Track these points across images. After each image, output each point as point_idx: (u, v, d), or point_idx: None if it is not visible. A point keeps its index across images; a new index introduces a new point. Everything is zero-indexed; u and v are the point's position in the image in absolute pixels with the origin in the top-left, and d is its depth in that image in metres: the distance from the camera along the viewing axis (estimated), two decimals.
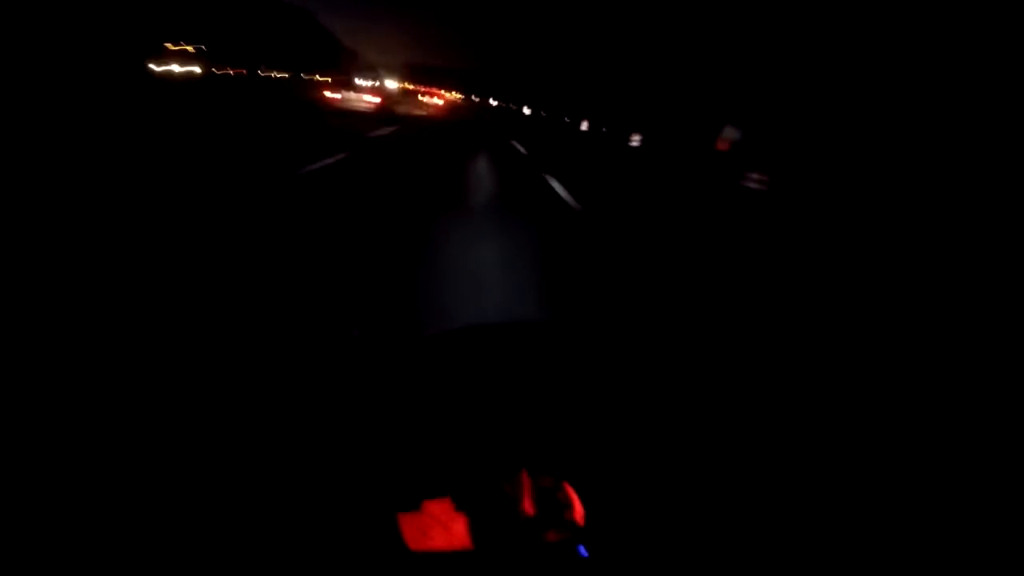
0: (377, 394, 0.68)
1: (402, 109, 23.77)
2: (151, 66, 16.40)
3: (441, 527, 0.56)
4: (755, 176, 11.78)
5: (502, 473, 0.60)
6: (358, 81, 23.68)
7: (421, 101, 37.17)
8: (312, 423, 0.66)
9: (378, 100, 17.10)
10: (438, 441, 0.63)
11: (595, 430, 0.67)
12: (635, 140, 20.42)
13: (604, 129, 23.83)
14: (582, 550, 0.57)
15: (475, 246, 3.99)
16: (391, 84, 55.68)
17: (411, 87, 58.31)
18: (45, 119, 6.59)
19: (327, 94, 16.88)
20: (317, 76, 45.58)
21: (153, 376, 1.86)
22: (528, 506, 0.58)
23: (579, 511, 0.59)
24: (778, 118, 13.20)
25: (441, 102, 39.40)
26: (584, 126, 28.18)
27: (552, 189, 7.59)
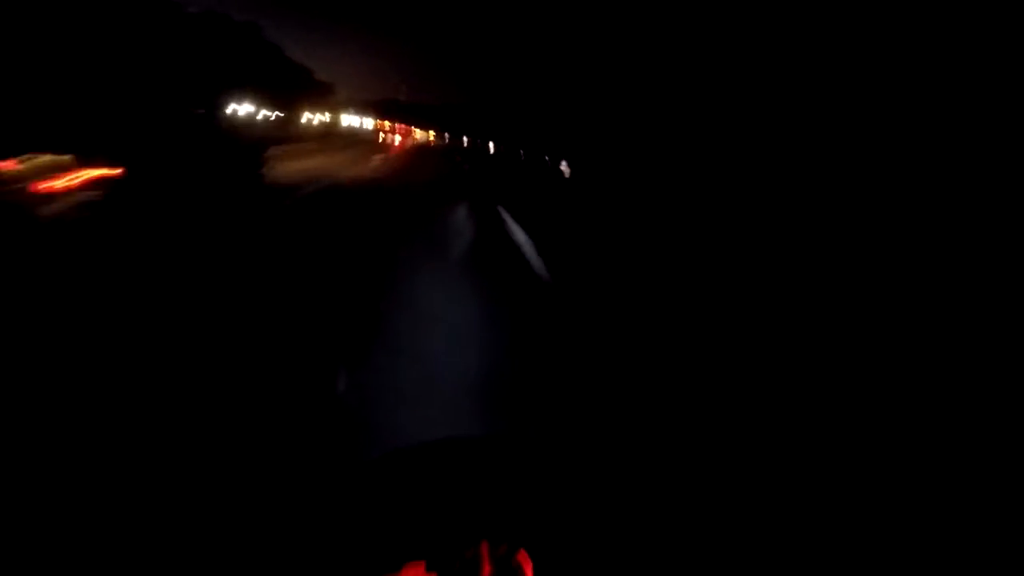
0: (358, 475, 0.83)
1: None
2: None
3: None
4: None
5: (466, 542, 0.74)
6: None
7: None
8: (304, 495, 0.81)
9: None
10: (415, 514, 0.77)
11: (545, 504, 0.82)
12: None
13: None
14: None
15: None
16: (364, 123, 53.15)
17: (387, 125, 55.26)
18: None
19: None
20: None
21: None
22: (487, 570, 0.71)
23: (529, 573, 0.72)
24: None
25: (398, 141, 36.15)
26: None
27: None
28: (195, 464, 1.75)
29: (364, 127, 50.88)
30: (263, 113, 26.77)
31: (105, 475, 1.69)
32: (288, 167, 13.00)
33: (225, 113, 18.97)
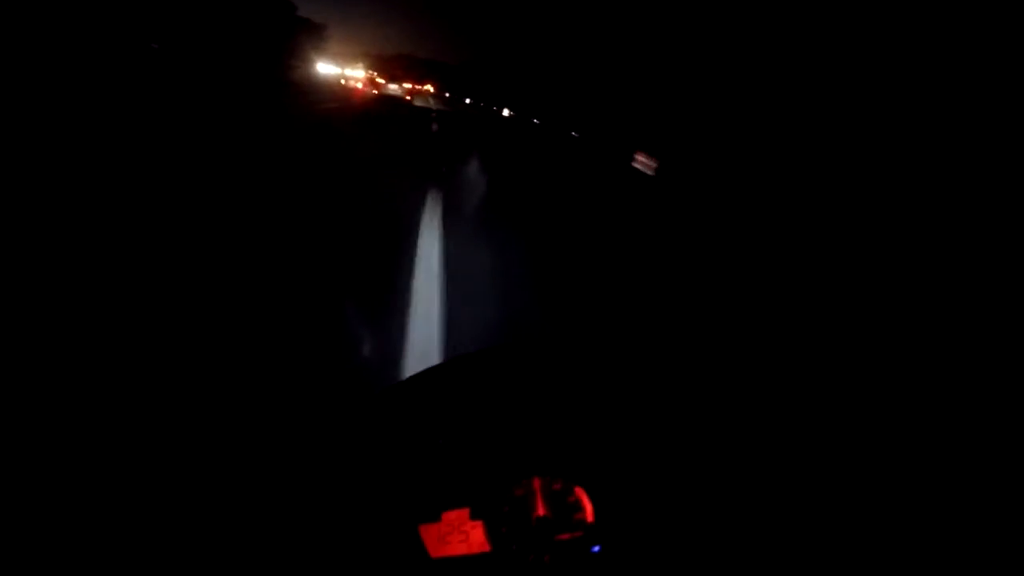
0: (393, 415, 0.72)
1: None
2: None
3: (460, 534, 0.60)
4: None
5: (515, 480, 0.64)
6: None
7: None
8: (336, 444, 0.70)
9: None
10: (455, 454, 0.67)
11: (601, 433, 0.71)
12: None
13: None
14: (595, 548, 0.61)
15: None
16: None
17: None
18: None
19: None
20: None
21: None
22: (541, 509, 0.62)
23: (589, 511, 0.63)
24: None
25: None
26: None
27: None
28: (217, 418, 1.75)
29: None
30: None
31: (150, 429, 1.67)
32: None
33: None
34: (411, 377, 0.74)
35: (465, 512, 0.61)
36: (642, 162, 15.40)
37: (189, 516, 0.58)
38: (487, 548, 0.60)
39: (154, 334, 2.11)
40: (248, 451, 1.50)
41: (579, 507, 0.63)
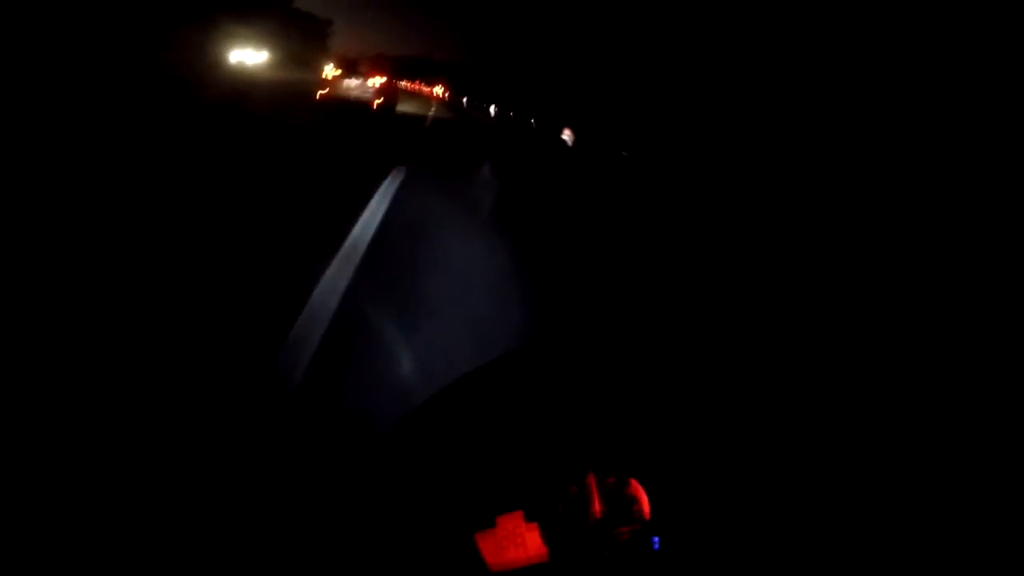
0: (441, 427, 0.71)
1: None
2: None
3: (516, 540, 0.59)
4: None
5: (568, 478, 0.63)
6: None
7: None
8: (384, 460, 0.70)
9: None
10: (504, 459, 0.66)
11: (651, 422, 0.70)
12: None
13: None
14: (655, 542, 0.59)
15: None
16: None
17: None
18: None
19: None
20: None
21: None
22: (597, 506, 0.60)
23: (646, 504, 0.61)
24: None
25: None
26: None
27: None
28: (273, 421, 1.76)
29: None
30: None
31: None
32: None
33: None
34: (451, 385, 0.73)
35: (519, 515, 0.60)
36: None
37: (239, 529, 0.57)
38: (544, 551, 0.59)
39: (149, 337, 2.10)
40: (297, 472, 1.50)
41: (635, 500, 0.61)
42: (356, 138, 9.86)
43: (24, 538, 1.20)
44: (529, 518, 0.60)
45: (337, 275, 3.07)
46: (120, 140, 5.72)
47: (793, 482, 0.65)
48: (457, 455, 0.67)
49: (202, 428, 1.62)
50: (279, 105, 12.56)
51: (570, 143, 15.65)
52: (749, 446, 0.68)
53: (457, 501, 0.62)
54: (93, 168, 4.43)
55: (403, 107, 20.54)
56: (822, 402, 0.79)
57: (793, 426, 0.72)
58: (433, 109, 26.88)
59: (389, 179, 6.06)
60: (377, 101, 17.06)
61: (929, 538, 0.61)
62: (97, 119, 6.21)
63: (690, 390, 0.76)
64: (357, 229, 4.03)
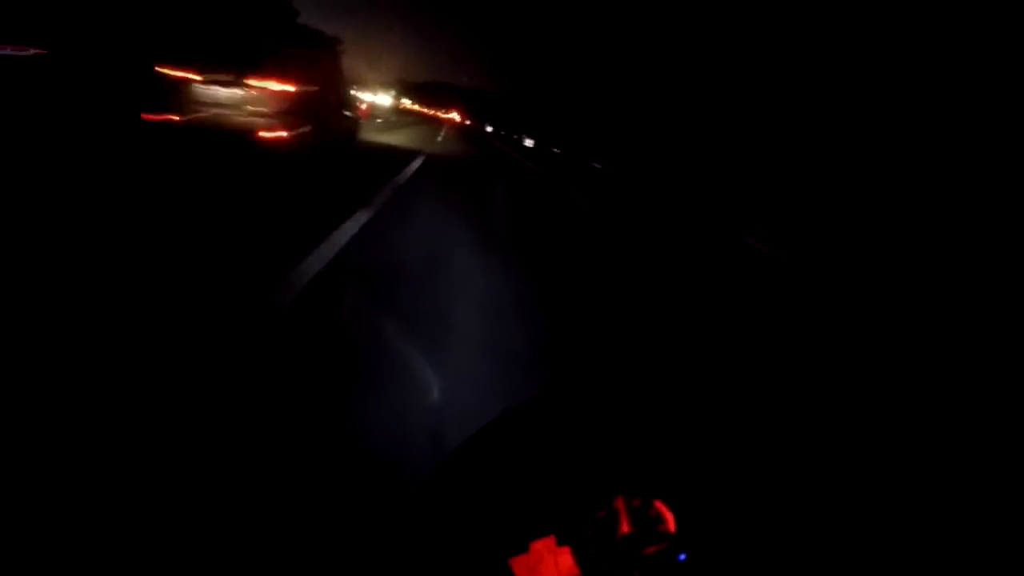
0: (477, 466, 0.76)
1: None
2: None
3: (549, 562, 0.63)
4: None
5: (596, 503, 0.67)
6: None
7: None
8: (427, 491, 0.75)
9: None
10: (536, 488, 0.70)
11: (672, 445, 0.75)
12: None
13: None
14: (681, 556, 0.63)
15: None
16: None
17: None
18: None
19: None
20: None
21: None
22: (625, 526, 0.64)
23: (671, 523, 0.65)
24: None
25: None
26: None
27: None
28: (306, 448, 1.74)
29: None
30: None
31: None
32: None
33: None
34: (483, 428, 0.79)
35: (551, 540, 0.64)
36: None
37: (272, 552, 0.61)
38: (576, 572, 0.62)
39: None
40: (333, 502, 1.52)
41: (661, 519, 0.65)
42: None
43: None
44: (561, 542, 0.64)
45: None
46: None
47: (811, 497, 0.68)
48: (493, 488, 0.72)
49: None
50: None
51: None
52: (767, 462, 0.72)
53: (493, 530, 0.66)
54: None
55: (386, 137, 15.25)
56: (842, 420, 0.84)
57: (811, 443, 0.75)
58: (441, 136, 22.72)
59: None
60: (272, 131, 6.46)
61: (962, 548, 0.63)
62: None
63: (708, 411, 0.80)
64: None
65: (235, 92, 6.21)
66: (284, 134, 6.41)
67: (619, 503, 0.66)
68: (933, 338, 5.35)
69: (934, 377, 4.02)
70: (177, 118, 6.14)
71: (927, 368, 4.24)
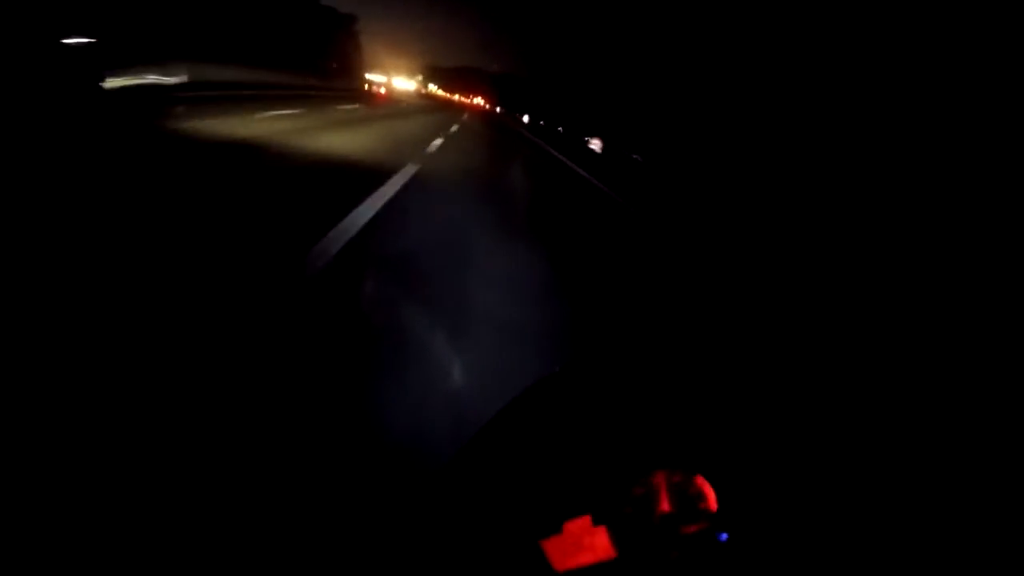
0: (505, 444, 0.73)
1: None
2: None
3: (584, 543, 0.60)
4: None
5: (634, 479, 0.63)
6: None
7: None
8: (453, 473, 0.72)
9: None
10: (570, 464, 0.67)
11: (714, 418, 0.70)
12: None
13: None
14: (722, 536, 0.59)
15: None
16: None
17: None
18: None
19: None
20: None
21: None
22: (664, 504, 0.61)
23: (713, 500, 0.61)
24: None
25: None
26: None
27: None
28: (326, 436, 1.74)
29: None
30: None
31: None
32: None
33: None
34: (514, 400, 0.76)
35: (587, 520, 0.61)
36: None
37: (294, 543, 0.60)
38: (611, 551, 0.59)
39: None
40: (363, 487, 1.53)
41: (702, 497, 0.61)
42: None
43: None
44: (596, 522, 0.61)
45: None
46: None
47: (860, 478, 0.64)
48: (523, 466, 0.69)
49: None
50: None
51: None
52: (812, 439, 0.68)
53: (523, 510, 0.64)
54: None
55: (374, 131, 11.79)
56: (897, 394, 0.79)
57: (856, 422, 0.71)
58: (455, 128, 18.00)
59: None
60: None
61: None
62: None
63: (751, 386, 0.76)
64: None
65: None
66: None
67: (658, 479, 0.62)
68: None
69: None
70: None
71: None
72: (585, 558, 0.59)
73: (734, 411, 0.70)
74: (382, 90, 39.59)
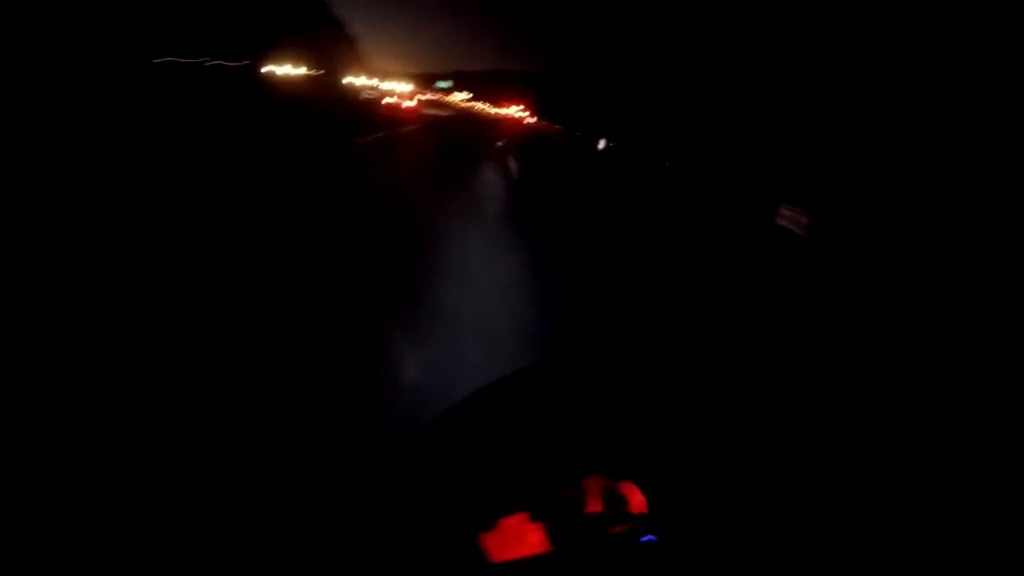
0: (452, 436, 0.79)
1: None
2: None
3: (520, 538, 0.65)
4: None
5: (567, 482, 0.68)
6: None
7: None
8: (396, 463, 0.78)
9: None
10: (510, 466, 0.72)
11: (645, 428, 0.75)
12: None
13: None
14: (648, 538, 0.63)
15: None
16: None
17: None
18: None
19: None
20: None
21: None
22: (594, 505, 0.66)
23: (640, 503, 0.66)
24: None
25: None
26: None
27: None
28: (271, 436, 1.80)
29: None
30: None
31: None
32: None
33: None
34: (463, 400, 0.81)
35: (524, 516, 0.66)
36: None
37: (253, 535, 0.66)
38: (545, 546, 0.64)
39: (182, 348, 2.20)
40: (307, 476, 1.61)
41: (630, 500, 0.66)
42: None
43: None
44: (534, 519, 0.65)
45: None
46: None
47: (779, 489, 0.68)
48: (467, 464, 0.74)
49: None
50: None
51: None
52: (738, 449, 0.72)
53: (465, 506, 0.69)
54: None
55: None
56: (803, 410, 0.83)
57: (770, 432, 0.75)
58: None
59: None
60: None
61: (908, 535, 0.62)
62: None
63: (680, 398, 0.80)
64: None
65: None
66: None
67: (590, 482, 0.67)
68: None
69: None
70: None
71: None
72: (520, 551, 0.64)
73: (664, 422, 0.75)
74: (404, 103, 32.12)
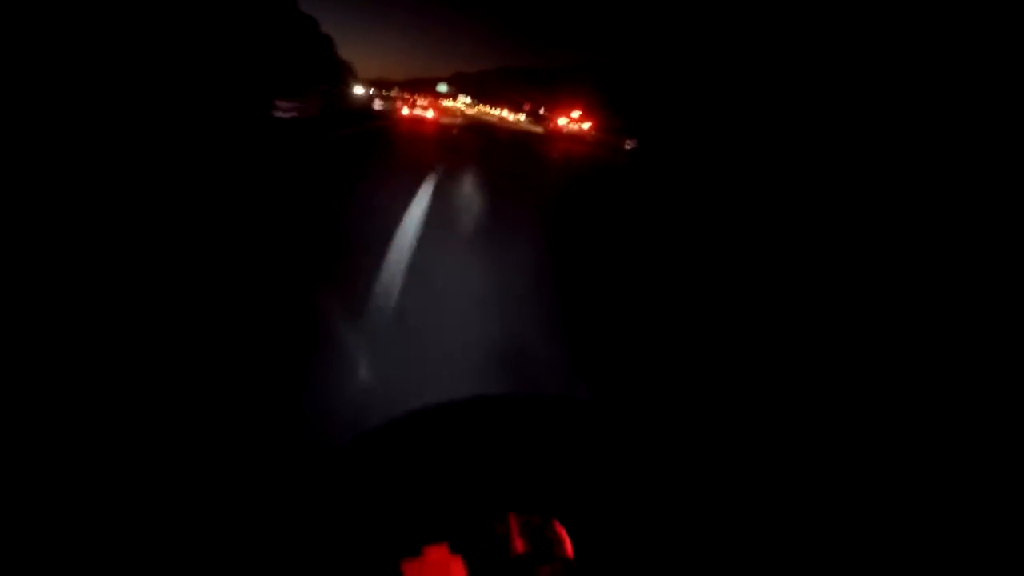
0: (376, 455, 0.78)
1: None
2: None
3: (441, 569, 0.62)
4: None
5: (493, 516, 0.66)
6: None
7: None
8: (321, 481, 0.77)
9: None
10: (434, 492, 0.71)
11: (577, 468, 0.73)
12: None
13: None
14: None
15: None
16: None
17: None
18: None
19: None
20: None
21: None
22: (519, 544, 0.63)
23: (568, 546, 0.63)
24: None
25: None
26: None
27: None
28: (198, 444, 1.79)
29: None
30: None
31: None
32: None
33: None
34: (393, 420, 0.80)
35: (444, 547, 0.64)
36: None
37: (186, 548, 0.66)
38: None
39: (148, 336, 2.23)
40: (231, 494, 1.57)
41: (558, 541, 0.64)
42: None
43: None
44: (454, 550, 0.63)
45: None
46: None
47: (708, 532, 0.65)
48: (392, 485, 0.73)
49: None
50: None
51: None
52: (671, 489, 0.70)
53: (387, 529, 0.68)
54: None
55: None
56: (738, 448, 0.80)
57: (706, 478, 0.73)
58: None
59: None
60: None
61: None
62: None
63: (614, 439, 0.78)
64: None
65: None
66: None
67: (513, 520, 0.65)
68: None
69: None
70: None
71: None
72: None
73: (593, 461, 0.73)
74: (406, 110, 29.87)
